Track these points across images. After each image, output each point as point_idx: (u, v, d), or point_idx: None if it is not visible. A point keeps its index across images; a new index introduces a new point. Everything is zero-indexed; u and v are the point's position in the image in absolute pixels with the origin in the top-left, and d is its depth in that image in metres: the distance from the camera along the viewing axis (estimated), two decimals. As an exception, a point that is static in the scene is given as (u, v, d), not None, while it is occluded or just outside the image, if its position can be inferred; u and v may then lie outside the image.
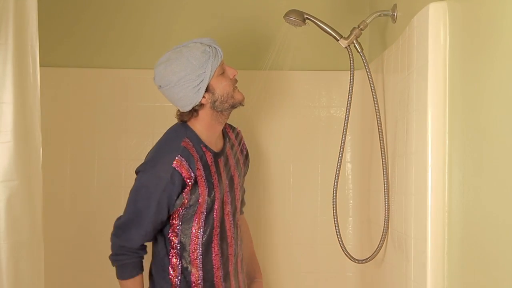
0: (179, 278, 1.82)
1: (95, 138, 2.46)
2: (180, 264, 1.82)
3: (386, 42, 2.06)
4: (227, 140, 1.97)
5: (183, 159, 1.76)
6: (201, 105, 1.82)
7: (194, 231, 1.82)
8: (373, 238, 2.10)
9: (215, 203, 1.84)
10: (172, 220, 1.82)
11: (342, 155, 2.01)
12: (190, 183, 1.78)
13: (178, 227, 1.82)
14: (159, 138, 1.88)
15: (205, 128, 1.86)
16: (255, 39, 2.48)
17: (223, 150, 1.93)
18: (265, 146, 2.50)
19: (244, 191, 2.10)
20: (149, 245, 1.93)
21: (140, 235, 1.80)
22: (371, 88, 1.89)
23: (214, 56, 1.79)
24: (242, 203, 2.10)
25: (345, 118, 1.98)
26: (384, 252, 1.87)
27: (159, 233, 1.86)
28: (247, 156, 2.11)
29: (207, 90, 1.80)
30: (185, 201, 1.78)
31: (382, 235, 1.82)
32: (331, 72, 2.48)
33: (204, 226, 1.83)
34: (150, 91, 2.44)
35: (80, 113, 2.46)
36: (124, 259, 1.83)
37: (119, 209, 2.45)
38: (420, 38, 1.49)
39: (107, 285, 2.44)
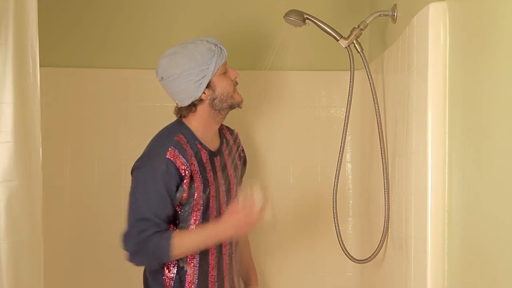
0: (174, 278, 1.81)
1: (95, 138, 2.46)
2: (177, 264, 1.81)
3: (386, 42, 2.06)
4: (224, 141, 1.97)
5: (176, 150, 1.77)
6: (200, 100, 1.83)
7: (192, 229, 1.81)
8: (373, 238, 2.10)
9: (211, 201, 1.84)
10: None
11: (342, 155, 2.01)
12: (187, 174, 1.78)
13: (175, 227, 1.82)
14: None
15: (201, 125, 1.86)
16: (255, 39, 2.47)
17: (219, 149, 1.93)
18: (265, 146, 2.50)
19: None
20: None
21: (151, 227, 1.76)
22: (371, 88, 1.89)
23: (219, 54, 1.82)
24: None
25: (345, 118, 1.98)
26: (384, 252, 1.87)
27: None
28: (245, 160, 2.11)
29: (208, 86, 1.81)
30: (185, 194, 1.78)
31: (382, 235, 1.82)
32: (331, 72, 2.48)
33: (202, 224, 1.82)
34: (150, 91, 2.45)
35: (80, 113, 2.46)
36: (146, 238, 1.74)
37: (119, 209, 2.44)
38: (420, 38, 1.49)
39: (107, 285, 2.45)
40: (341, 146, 2.00)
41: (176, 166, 1.76)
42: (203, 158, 1.84)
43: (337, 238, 1.99)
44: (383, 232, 1.81)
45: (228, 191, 1.92)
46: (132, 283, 2.43)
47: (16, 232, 1.56)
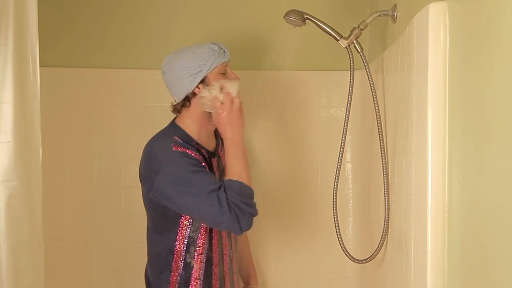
0: (181, 274, 1.81)
1: (95, 138, 2.46)
2: (184, 260, 1.81)
3: (386, 42, 2.06)
4: (220, 142, 1.96)
5: (178, 145, 1.77)
6: (194, 94, 1.83)
7: (203, 223, 1.81)
8: (373, 238, 2.10)
9: None
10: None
11: (342, 155, 2.01)
12: (200, 158, 1.78)
13: (189, 220, 1.81)
14: None
15: (196, 125, 1.85)
16: (255, 39, 2.47)
17: (216, 150, 1.93)
18: (265, 146, 2.50)
19: None
20: (143, 248, 1.93)
21: (221, 191, 1.70)
22: (371, 88, 1.89)
23: (219, 54, 1.83)
24: None
25: (345, 118, 1.98)
26: (384, 252, 1.88)
27: (161, 232, 1.85)
28: None
29: (203, 82, 1.82)
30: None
31: (382, 235, 1.82)
32: (331, 72, 2.48)
33: (199, 223, 1.82)
34: (150, 91, 2.45)
35: (80, 113, 2.46)
36: (227, 200, 1.67)
37: (119, 209, 2.46)
38: (420, 38, 1.49)
39: (107, 285, 2.45)
40: (341, 146, 2.00)
41: (190, 154, 1.75)
42: (205, 155, 1.85)
43: (337, 238, 1.99)
44: (383, 232, 1.81)
45: None
46: (132, 283, 2.43)
47: (16, 232, 1.56)
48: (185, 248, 1.80)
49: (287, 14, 1.92)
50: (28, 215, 1.60)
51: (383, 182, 1.83)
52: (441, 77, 1.39)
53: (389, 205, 1.81)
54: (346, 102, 1.96)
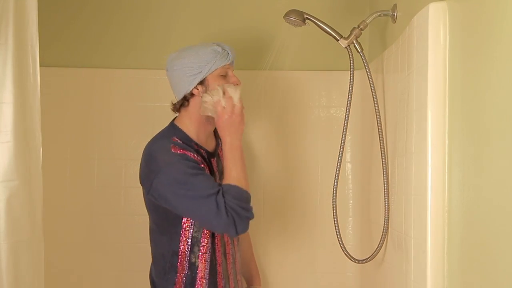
0: (186, 274, 1.81)
1: (95, 138, 2.46)
2: (189, 260, 1.81)
3: (386, 42, 2.06)
4: (220, 142, 1.96)
5: (177, 146, 1.77)
6: (192, 95, 1.83)
7: (192, 224, 1.81)
8: (373, 238, 2.10)
9: None
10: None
11: (342, 155, 2.01)
12: (199, 160, 1.78)
13: (191, 220, 1.81)
14: None
15: (194, 125, 1.86)
16: (255, 39, 2.47)
17: (215, 150, 1.93)
18: (265, 146, 2.50)
19: None
20: (147, 251, 1.93)
21: (219, 195, 1.71)
22: (371, 88, 1.89)
23: (221, 56, 1.82)
24: None
25: (345, 118, 1.98)
26: (384, 252, 1.88)
27: (164, 234, 1.85)
28: None
29: (202, 83, 1.82)
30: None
31: (382, 235, 1.82)
32: (331, 72, 2.48)
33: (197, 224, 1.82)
34: (150, 91, 2.45)
35: (80, 113, 2.46)
36: (224, 204, 1.69)
37: (119, 209, 2.46)
38: (420, 38, 1.49)
39: (107, 285, 2.45)
40: (341, 146, 2.00)
41: (189, 156, 1.76)
42: (204, 155, 1.85)
43: (337, 238, 1.99)
44: (383, 232, 1.81)
45: None
46: (133, 283, 2.43)
47: (16, 232, 1.56)
48: (189, 249, 1.81)
49: (287, 14, 1.92)
50: (28, 215, 1.60)
51: (383, 182, 1.83)
52: (441, 77, 1.39)
53: (389, 205, 1.81)
54: (346, 102, 1.96)
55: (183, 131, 1.85)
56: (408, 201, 1.59)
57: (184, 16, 2.50)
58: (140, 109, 2.47)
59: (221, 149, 1.93)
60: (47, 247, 1.68)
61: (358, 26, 1.90)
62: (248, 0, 2.52)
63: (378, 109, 1.88)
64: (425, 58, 1.43)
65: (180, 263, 1.81)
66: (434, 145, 1.39)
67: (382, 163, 1.84)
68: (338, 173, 2.00)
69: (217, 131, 1.96)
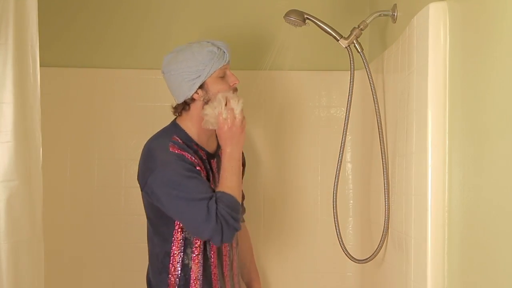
0: (179, 276, 1.81)
1: (95, 138, 2.46)
2: (181, 261, 1.81)
3: (386, 42, 2.06)
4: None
5: (176, 146, 1.77)
6: (193, 99, 1.83)
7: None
8: (373, 238, 2.10)
9: None
10: None
11: (342, 155, 2.01)
12: (196, 162, 1.78)
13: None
14: None
15: (196, 126, 1.85)
16: (255, 39, 2.47)
17: (216, 152, 1.92)
18: (265, 146, 2.50)
19: (243, 198, 2.08)
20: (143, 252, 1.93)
21: (212, 201, 1.72)
22: (371, 88, 1.89)
23: (218, 57, 1.81)
24: (242, 209, 2.09)
25: (345, 118, 1.98)
26: (384, 252, 1.88)
27: (158, 234, 1.85)
28: (243, 162, 2.04)
29: (201, 87, 1.81)
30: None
31: (382, 235, 1.82)
32: (331, 72, 2.48)
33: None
34: (150, 91, 2.45)
35: (80, 113, 2.46)
36: (216, 211, 1.69)
37: (119, 209, 2.46)
38: (420, 38, 1.49)
39: (107, 285, 2.45)
40: (341, 146, 2.00)
41: (186, 157, 1.76)
42: (203, 156, 1.85)
43: (337, 238, 1.99)
44: (383, 232, 1.81)
45: None
46: (132, 283, 2.43)
47: (16, 232, 1.56)
48: (182, 250, 1.81)
49: (287, 14, 1.92)
50: (28, 215, 1.60)
51: (383, 182, 1.83)
52: (441, 77, 1.39)
53: (389, 205, 1.81)
54: (346, 102, 1.96)
55: (184, 131, 1.85)
56: (408, 201, 1.59)
57: (184, 17, 2.51)
58: (140, 109, 2.47)
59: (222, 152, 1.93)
60: (47, 247, 1.68)
61: (358, 26, 1.90)
62: (248, 0, 2.52)
63: (378, 109, 1.88)
64: (425, 58, 1.43)
65: (171, 264, 1.81)
66: (434, 145, 1.39)
67: (382, 163, 1.84)
68: (338, 173, 2.00)
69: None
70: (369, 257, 1.89)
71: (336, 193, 2.01)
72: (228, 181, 1.76)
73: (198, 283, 1.81)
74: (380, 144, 1.85)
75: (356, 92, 2.02)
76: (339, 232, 1.99)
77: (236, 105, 1.79)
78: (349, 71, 1.94)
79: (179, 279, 1.81)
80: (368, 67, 1.89)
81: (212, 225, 1.67)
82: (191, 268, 1.81)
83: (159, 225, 1.84)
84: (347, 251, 1.99)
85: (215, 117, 1.79)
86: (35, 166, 1.63)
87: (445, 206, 1.37)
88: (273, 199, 2.48)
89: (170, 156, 1.74)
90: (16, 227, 1.56)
